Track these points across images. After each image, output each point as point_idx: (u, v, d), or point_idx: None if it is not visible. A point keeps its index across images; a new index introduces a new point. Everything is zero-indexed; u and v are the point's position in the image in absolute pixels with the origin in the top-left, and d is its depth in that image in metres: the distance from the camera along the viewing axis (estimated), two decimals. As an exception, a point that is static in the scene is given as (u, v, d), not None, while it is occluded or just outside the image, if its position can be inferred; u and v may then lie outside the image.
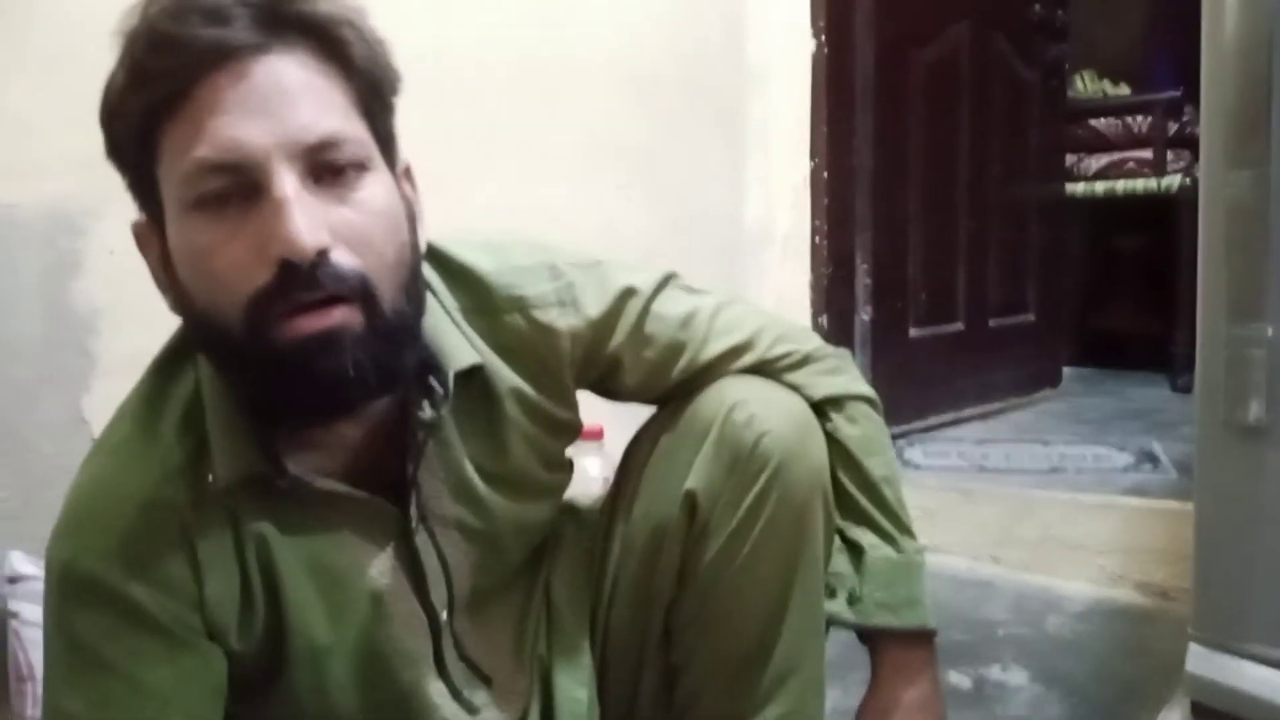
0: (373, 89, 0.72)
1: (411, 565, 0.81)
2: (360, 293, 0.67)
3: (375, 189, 0.70)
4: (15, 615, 1.20)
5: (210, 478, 0.73)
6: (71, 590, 0.72)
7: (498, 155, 1.73)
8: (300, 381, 0.67)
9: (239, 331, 0.66)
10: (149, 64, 0.65)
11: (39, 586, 1.18)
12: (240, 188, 0.65)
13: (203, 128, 0.64)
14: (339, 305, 0.66)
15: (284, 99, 0.66)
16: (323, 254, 0.65)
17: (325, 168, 0.67)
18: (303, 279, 0.65)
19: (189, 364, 0.76)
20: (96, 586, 0.71)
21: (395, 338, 0.70)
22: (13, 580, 1.21)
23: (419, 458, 0.79)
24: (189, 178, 0.65)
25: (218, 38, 0.64)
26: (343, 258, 0.66)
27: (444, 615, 0.83)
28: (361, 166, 0.69)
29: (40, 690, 1.16)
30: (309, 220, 0.64)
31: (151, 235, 0.72)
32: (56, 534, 0.74)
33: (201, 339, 0.72)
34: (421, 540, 0.81)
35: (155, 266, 0.72)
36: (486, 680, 0.87)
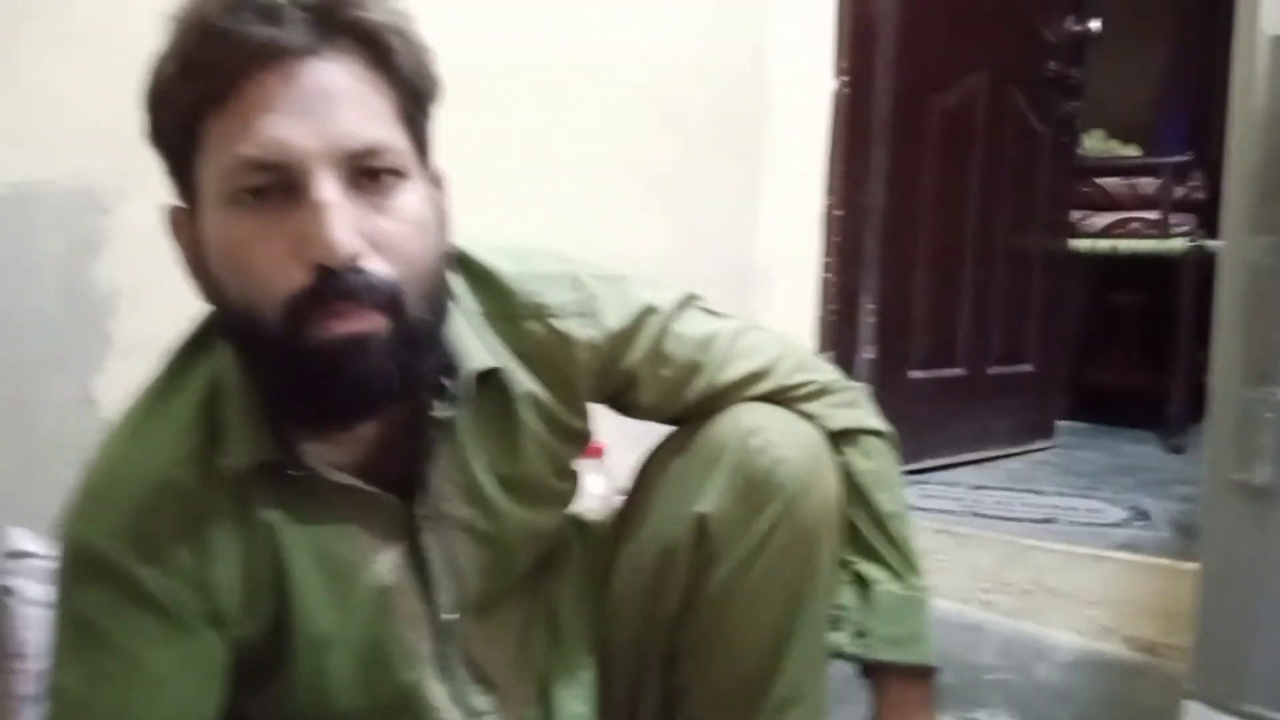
0: (415, 97, 0.73)
1: (418, 564, 0.82)
2: (389, 302, 0.68)
3: (411, 197, 0.70)
4: (12, 592, 1.19)
5: (223, 462, 0.73)
6: (79, 566, 0.73)
7: (520, 166, 1.74)
8: (327, 383, 0.67)
9: (274, 328, 0.67)
10: (199, 56, 0.65)
11: (39, 564, 1.18)
12: (280, 186, 0.66)
13: (248, 125, 0.65)
14: (370, 311, 0.67)
15: (329, 103, 0.67)
16: (357, 261, 0.66)
17: (365, 174, 0.68)
18: (337, 286, 0.65)
19: (212, 349, 0.77)
20: (103, 564, 0.72)
21: (419, 344, 0.71)
22: (13, 556, 1.20)
23: (431, 457, 0.79)
24: (230, 172, 0.66)
25: (270, 37, 0.65)
26: (376, 266, 0.67)
27: (449, 616, 0.83)
28: (399, 174, 0.70)
29: (35, 669, 1.15)
30: (346, 227, 0.65)
31: (185, 222, 0.72)
32: (70, 510, 0.74)
33: (231, 329, 0.72)
34: (429, 540, 0.81)
35: (187, 253, 0.73)
36: (489, 685, 0.87)
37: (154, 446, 0.74)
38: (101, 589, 0.72)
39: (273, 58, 0.65)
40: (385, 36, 0.70)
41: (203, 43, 0.65)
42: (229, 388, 0.75)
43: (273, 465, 0.74)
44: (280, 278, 0.66)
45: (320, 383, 0.67)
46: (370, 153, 0.68)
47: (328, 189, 0.65)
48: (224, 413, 0.74)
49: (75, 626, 0.73)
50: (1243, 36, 0.95)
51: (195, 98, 0.66)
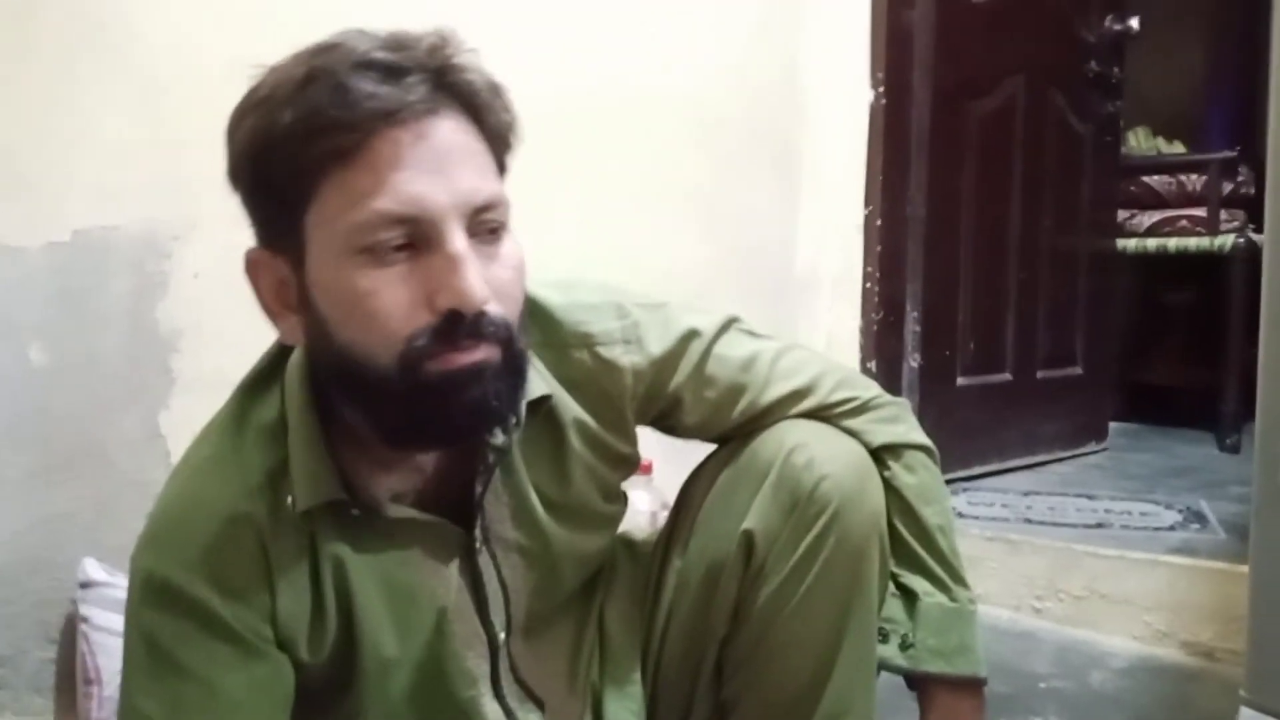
0: (502, 153, 0.76)
1: (474, 585, 0.84)
2: (505, 338, 0.72)
3: (512, 246, 0.75)
4: (85, 620, 1.23)
5: (290, 500, 0.76)
6: (152, 596, 0.76)
7: (566, 192, 1.77)
8: (447, 408, 0.71)
9: (390, 365, 0.70)
10: (330, 112, 0.67)
11: (109, 593, 1.23)
12: (410, 239, 0.69)
13: (383, 180, 0.68)
14: (490, 344, 0.71)
15: (454, 160, 0.70)
16: (484, 306, 0.70)
17: (481, 226, 0.71)
18: (466, 328, 0.69)
19: (275, 387, 0.80)
20: (176, 594, 0.75)
21: (522, 370, 0.76)
22: (84, 586, 1.25)
23: (487, 482, 0.82)
24: (364, 226, 0.68)
25: (399, 96, 0.68)
26: (495, 309, 0.71)
27: (502, 636, 0.86)
28: (504, 225, 0.74)
29: (106, 694, 1.20)
30: (478, 277, 0.69)
31: (270, 265, 0.74)
32: (141, 542, 0.78)
33: (333, 369, 0.74)
34: (484, 561, 0.84)
35: (267, 295, 0.75)
36: (540, 703, 0.90)
37: (222, 480, 0.77)
38: (175, 618, 0.75)
39: (403, 117, 0.68)
40: (486, 97, 0.73)
41: (333, 99, 0.67)
42: (293, 426, 0.78)
43: (336, 503, 0.77)
44: (406, 322, 0.69)
45: (440, 409, 0.71)
46: (489, 207, 0.72)
47: (460, 241, 0.69)
48: (288, 450, 0.77)
49: (150, 655, 0.76)
50: (1279, 31, 0.95)
51: (321, 152, 0.68)
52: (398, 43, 0.70)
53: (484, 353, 0.71)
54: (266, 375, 0.81)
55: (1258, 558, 0.98)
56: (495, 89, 0.74)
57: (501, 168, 0.76)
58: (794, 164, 2.20)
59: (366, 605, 0.80)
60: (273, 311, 0.76)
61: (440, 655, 0.83)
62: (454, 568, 0.84)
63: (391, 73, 0.68)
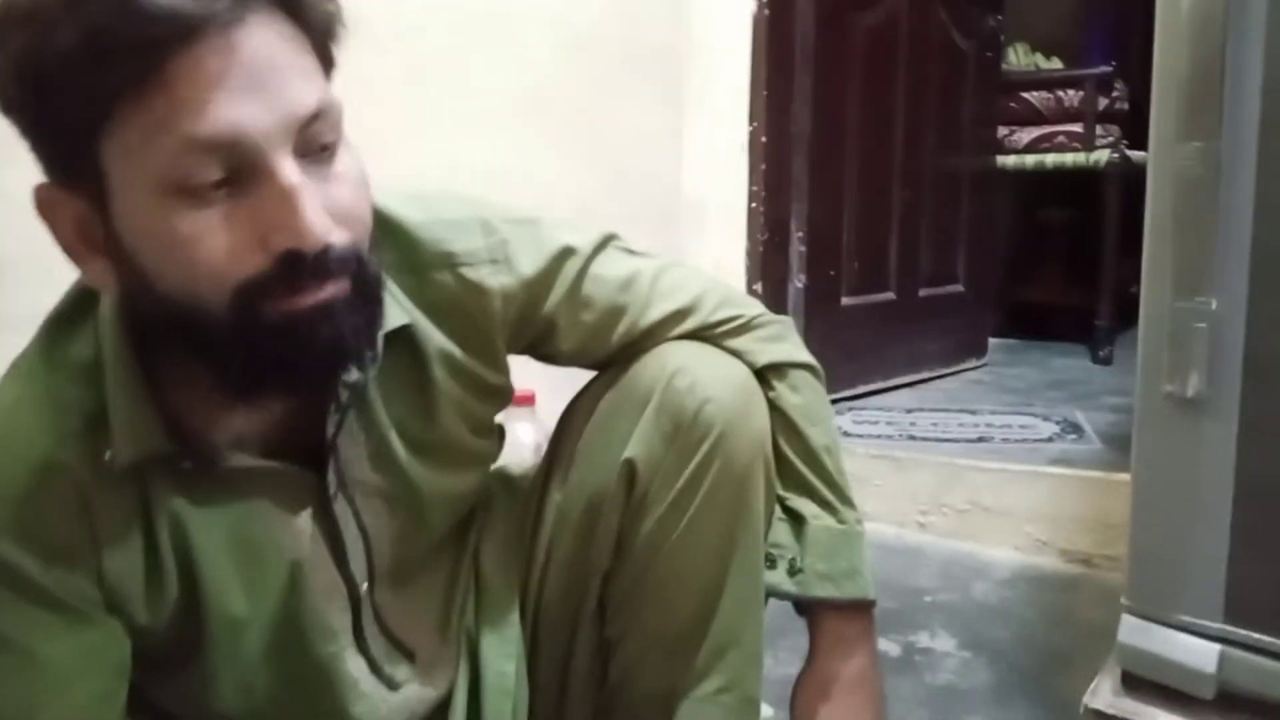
0: (327, 48, 0.66)
1: (331, 535, 0.77)
2: (354, 269, 0.64)
3: (350, 160, 0.65)
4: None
5: (108, 455, 0.68)
6: None
7: (431, 109, 1.67)
8: (298, 353, 0.63)
9: (222, 314, 0.61)
10: (119, 30, 0.56)
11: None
12: (231, 171, 0.59)
13: (191, 106, 0.57)
14: (336, 278, 0.62)
15: (273, 74, 0.60)
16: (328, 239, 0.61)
17: (312, 141, 0.62)
18: (309, 267, 0.60)
19: (88, 326, 0.70)
20: None
21: (378, 297, 0.67)
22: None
23: (340, 422, 0.74)
24: (173, 162, 0.58)
25: (200, 7, 0.57)
26: (340, 239, 0.62)
27: (364, 586, 0.80)
28: (338, 136, 0.64)
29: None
30: (316, 209, 0.60)
31: (66, 203, 0.64)
32: None
33: (157, 317, 0.65)
34: (340, 508, 0.77)
35: (68, 236, 0.65)
36: (408, 654, 0.84)
37: (34, 426, 0.68)
38: None
39: (207, 31, 0.57)
40: None
41: (120, 15, 0.56)
42: (111, 373, 0.69)
43: (163, 456, 0.69)
44: (236, 266, 0.60)
45: (288, 353, 0.63)
46: (318, 115, 0.62)
47: (292, 170, 0.60)
48: (105, 398, 0.68)
49: None
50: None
51: (110, 79, 0.58)
52: None
53: (330, 289, 0.62)
54: (75, 311, 0.71)
55: (1139, 468, 0.98)
56: None
57: (328, 65, 0.66)
58: (677, 81, 2.14)
59: (209, 562, 0.73)
60: (78, 254, 0.65)
61: (295, 611, 0.77)
62: (306, 517, 0.76)
63: None
